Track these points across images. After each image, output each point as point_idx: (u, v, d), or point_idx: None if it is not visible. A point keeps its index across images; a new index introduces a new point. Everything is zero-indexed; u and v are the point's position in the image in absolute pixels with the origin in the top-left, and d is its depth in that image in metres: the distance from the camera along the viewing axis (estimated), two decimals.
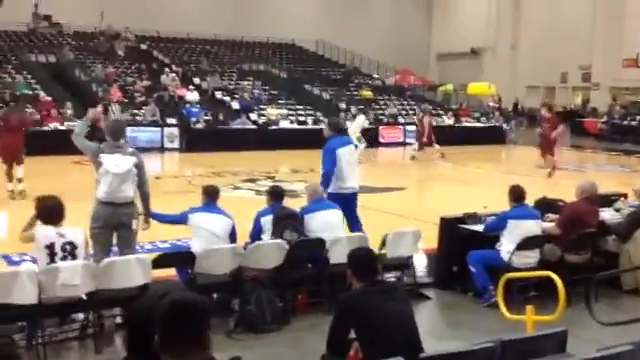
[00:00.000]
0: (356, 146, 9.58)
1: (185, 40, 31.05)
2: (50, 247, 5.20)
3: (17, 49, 26.09)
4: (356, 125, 18.23)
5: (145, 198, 6.27)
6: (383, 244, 6.53)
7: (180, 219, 6.43)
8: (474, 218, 7.02)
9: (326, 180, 7.60)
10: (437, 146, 19.88)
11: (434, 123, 21.65)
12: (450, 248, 7.02)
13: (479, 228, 6.81)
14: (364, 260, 3.96)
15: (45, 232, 5.25)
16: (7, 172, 11.61)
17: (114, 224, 5.99)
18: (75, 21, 28.38)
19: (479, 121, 28.56)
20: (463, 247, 6.72)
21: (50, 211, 5.37)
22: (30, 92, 21.68)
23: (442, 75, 37.20)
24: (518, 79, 35.07)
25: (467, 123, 27.91)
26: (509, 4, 35.90)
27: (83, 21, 28.17)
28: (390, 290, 3.95)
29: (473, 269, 6.50)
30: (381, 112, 27.32)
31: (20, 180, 11.59)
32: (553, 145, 15.99)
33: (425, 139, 20.07)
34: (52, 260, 5.18)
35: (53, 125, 19.70)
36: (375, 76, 32.89)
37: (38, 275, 5.01)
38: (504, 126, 27.41)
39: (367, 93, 28.97)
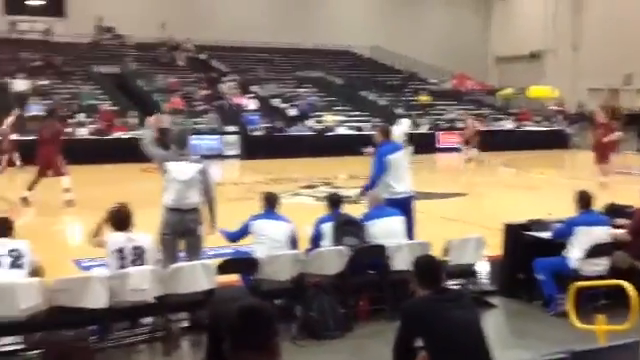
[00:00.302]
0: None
1: (243, 49, 31.47)
2: (120, 251, 5.38)
3: (82, 61, 26.94)
4: (401, 129, 18.09)
5: (211, 204, 6.40)
6: (446, 251, 6.46)
7: (243, 231, 6.53)
8: (539, 225, 6.87)
9: (371, 185, 7.66)
10: (474, 151, 19.45)
11: (478, 126, 21.38)
12: (515, 255, 6.88)
13: (545, 235, 6.66)
14: (429, 267, 3.92)
15: (115, 237, 5.44)
16: (34, 180, 11.91)
17: (181, 230, 6.15)
18: (137, 33, 29.13)
19: (541, 125, 27.99)
20: (528, 254, 6.58)
21: (121, 218, 5.54)
22: (95, 102, 22.35)
23: (501, 79, 36.55)
24: (580, 81, 34.13)
25: (528, 127, 27.40)
26: (569, 4, 35.02)
27: (145, 33, 28.90)
28: (456, 298, 3.90)
29: (540, 277, 6.36)
30: (438, 117, 27.07)
31: (67, 190, 11.88)
32: (607, 152, 14.74)
33: (465, 140, 19.95)
34: (122, 264, 5.35)
35: (118, 134, 20.26)
36: (432, 81, 32.61)
37: (109, 280, 5.15)
38: (567, 130, 26.76)
39: (424, 98, 28.76)
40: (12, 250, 5.15)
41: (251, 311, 2.58)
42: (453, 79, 32.65)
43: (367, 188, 7.56)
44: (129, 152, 18.54)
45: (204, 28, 30.01)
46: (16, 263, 5.10)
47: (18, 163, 17.16)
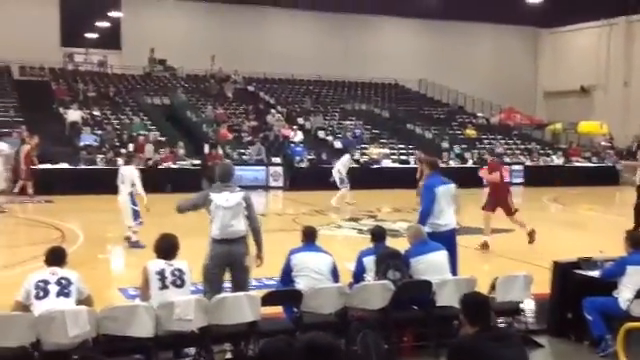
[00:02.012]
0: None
1: (290, 81, 31.94)
2: (160, 273, 5.49)
3: (135, 92, 27.68)
4: (341, 164, 17.99)
5: (256, 233, 6.47)
6: (493, 287, 6.35)
7: (287, 270, 6.38)
8: (589, 263, 6.71)
9: (423, 218, 7.59)
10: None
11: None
12: (564, 294, 6.72)
13: (595, 274, 6.50)
14: (478, 305, 3.88)
15: (155, 262, 5.59)
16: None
17: (228, 262, 6.23)
18: (188, 65, 29.87)
19: (590, 161, 27.48)
20: (578, 293, 6.41)
21: (167, 248, 5.64)
22: (146, 132, 22.87)
23: (550, 113, 36.09)
24: (631, 117, 33.46)
25: (578, 163, 26.93)
26: (621, 40, 34.51)
27: (195, 65, 29.61)
28: (505, 337, 3.83)
29: (589, 317, 6.19)
30: (485, 151, 26.81)
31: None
32: None
33: None
34: (163, 285, 5.45)
35: (167, 164, 20.62)
36: (479, 115, 32.42)
37: (155, 309, 5.22)
38: (617, 166, 26.20)
39: (471, 132, 28.59)
40: (61, 279, 5.26)
41: (319, 348, 2.56)
42: (501, 113, 32.40)
43: (420, 222, 7.47)
44: (178, 182, 19.03)
45: (252, 60, 30.59)
46: (63, 291, 5.20)
47: (30, 191, 17.19)
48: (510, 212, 11.88)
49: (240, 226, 6.27)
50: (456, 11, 32.53)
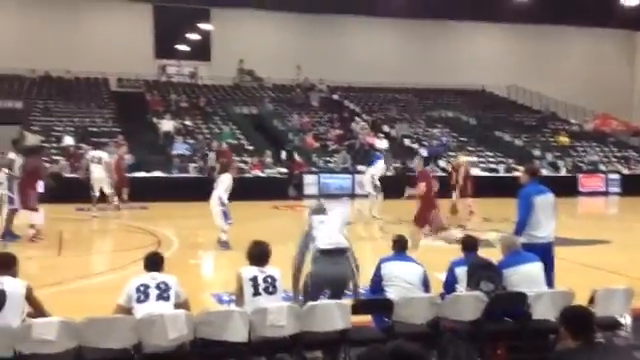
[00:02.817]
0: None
1: (375, 89, 31.91)
2: (253, 280, 5.63)
3: (224, 102, 28.42)
4: (375, 169, 16.72)
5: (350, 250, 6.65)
6: (591, 301, 6.10)
7: (377, 280, 6.42)
8: None
9: (519, 228, 7.34)
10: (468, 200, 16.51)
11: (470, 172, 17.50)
12: None
13: None
14: (582, 318, 3.75)
15: (248, 269, 5.73)
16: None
17: (330, 276, 6.39)
18: (274, 75, 30.42)
19: None
20: None
21: (259, 255, 5.77)
22: (234, 142, 23.42)
23: None
24: None
25: None
26: None
27: (281, 74, 30.11)
28: (607, 351, 3.69)
29: None
30: (580, 159, 25.91)
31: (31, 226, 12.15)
32: None
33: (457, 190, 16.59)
34: (256, 291, 5.59)
35: (255, 172, 21.03)
36: (572, 121, 31.33)
37: (249, 315, 5.33)
38: None
39: (563, 139, 27.68)
40: (160, 283, 5.46)
41: (406, 356, 2.55)
42: (595, 119, 31.19)
43: (516, 232, 7.27)
44: (265, 190, 19.39)
45: (337, 69, 30.80)
46: (162, 295, 5.39)
47: (124, 197, 17.33)
48: (420, 223, 10.90)
49: (341, 238, 6.52)
50: (547, 15, 31.61)
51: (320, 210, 6.90)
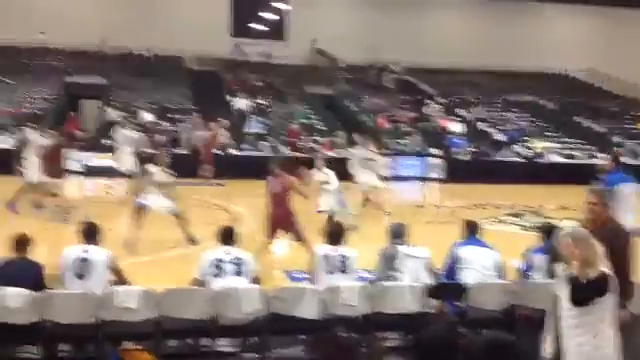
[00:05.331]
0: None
1: (450, 71, 31.33)
2: (326, 257, 5.77)
3: (297, 82, 28.52)
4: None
5: None
6: None
7: (452, 264, 6.29)
8: None
9: None
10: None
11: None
12: None
13: None
14: None
15: (322, 247, 5.87)
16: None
17: None
18: (348, 55, 30.24)
19: None
20: None
21: (333, 234, 5.83)
22: (306, 122, 23.51)
23: None
24: None
25: None
26: None
27: (355, 55, 29.92)
28: None
29: None
30: None
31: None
32: None
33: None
34: (329, 269, 5.73)
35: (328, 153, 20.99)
36: None
37: (321, 293, 5.38)
38: None
39: None
40: (234, 258, 5.57)
41: (500, 346, 2.52)
42: None
43: None
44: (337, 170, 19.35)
45: (412, 51, 30.36)
46: (237, 270, 5.50)
47: (207, 174, 17.46)
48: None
49: None
50: None
51: (400, 234, 6.34)
